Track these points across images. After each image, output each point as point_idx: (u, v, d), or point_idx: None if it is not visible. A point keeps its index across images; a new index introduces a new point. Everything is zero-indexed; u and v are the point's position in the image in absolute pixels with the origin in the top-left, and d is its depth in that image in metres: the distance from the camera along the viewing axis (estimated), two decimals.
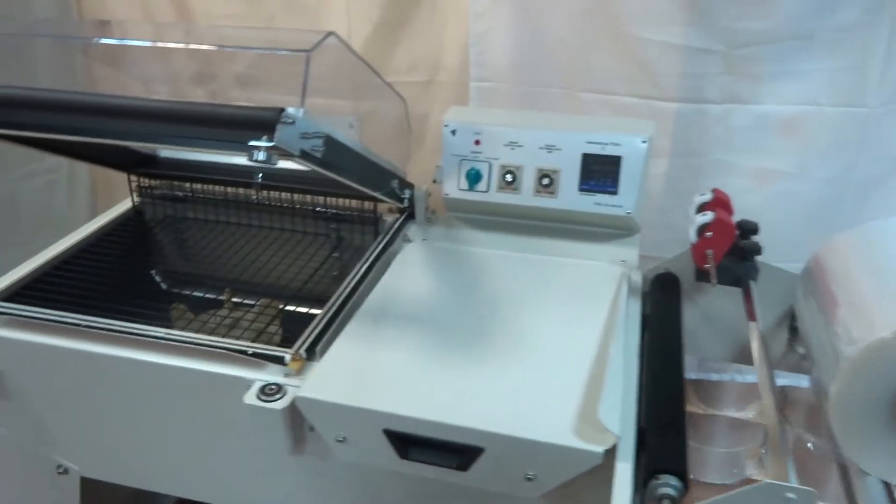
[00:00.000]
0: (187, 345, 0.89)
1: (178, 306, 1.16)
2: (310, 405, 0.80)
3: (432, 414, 0.76)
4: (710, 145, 1.22)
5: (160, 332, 0.91)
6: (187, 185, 1.26)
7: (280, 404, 0.81)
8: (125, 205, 1.26)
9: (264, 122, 0.74)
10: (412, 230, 1.18)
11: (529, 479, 0.75)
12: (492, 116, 1.15)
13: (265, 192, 1.24)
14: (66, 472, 1.02)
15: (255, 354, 0.87)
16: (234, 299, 1.15)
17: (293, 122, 0.75)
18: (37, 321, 0.94)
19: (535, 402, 0.78)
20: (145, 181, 1.27)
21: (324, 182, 1.18)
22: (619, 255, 1.10)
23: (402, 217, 1.19)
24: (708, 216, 0.90)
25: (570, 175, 1.09)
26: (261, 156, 0.74)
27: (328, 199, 1.20)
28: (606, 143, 1.08)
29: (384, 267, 1.07)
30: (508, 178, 1.11)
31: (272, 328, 1.00)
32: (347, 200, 1.20)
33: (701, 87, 1.19)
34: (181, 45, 1.17)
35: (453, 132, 1.13)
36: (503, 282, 1.03)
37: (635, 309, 0.97)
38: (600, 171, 1.09)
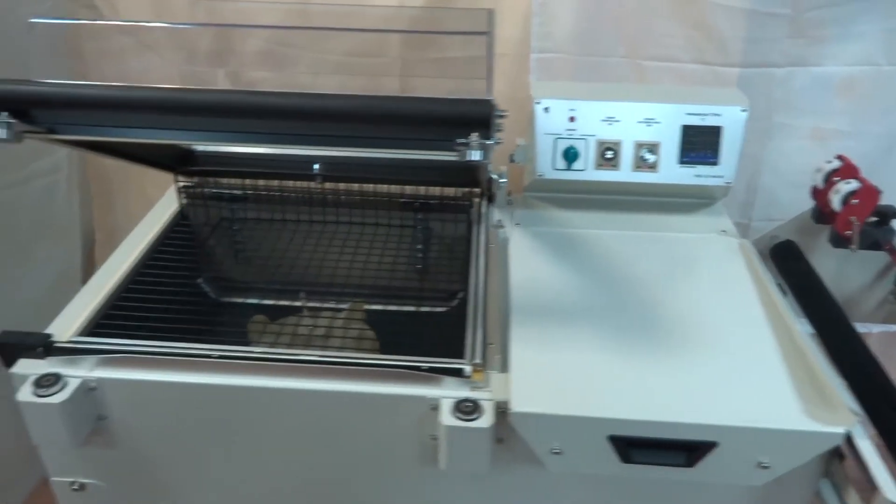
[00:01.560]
0: (342, 366, 0.80)
1: (263, 320, 1.05)
2: (526, 420, 0.74)
3: (662, 414, 0.73)
4: (771, 108, 1.24)
5: (304, 354, 0.81)
6: (234, 181, 1.13)
7: (483, 422, 0.75)
8: (168, 208, 1.11)
9: (477, 117, 0.66)
10: (495, 215, 1.12)
11: (764, 468, 0.74)
12: (583, 91, 1.11)
13: (327, 184, 1.14)
14: None
15: (431, 369, 0.80)
16: (328, 304, 1.06)
17: (502, 115, 0.68)
18: (139, 355, 0.81)
19: (753, 389, 0.77)
20: (187, 180, 1.12)
21: (398, 169, 1.11)
22: (714, 224, 1.10)
23: (485, 201, 1.13)
24: (853, 184, 0.91)
25: (669, 148, 1.08)
26: (475, 155, 0.67)
27: (405, 187, 1.12)
28: (706, 114, 1.07)
29: (494, 257, 1.01)
30: (609, 154, 1.08)
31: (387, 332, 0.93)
32: (430, 188, 1.12)
33: (766, 51, 1.20)
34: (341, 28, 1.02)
35: (546, 109, 1.07)
36: (628, 263, 1.00)
37: (770, 280, 0.98)
38: (701, 143, 1.08)
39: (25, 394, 0.77)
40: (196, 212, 1.12)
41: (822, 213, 0.98)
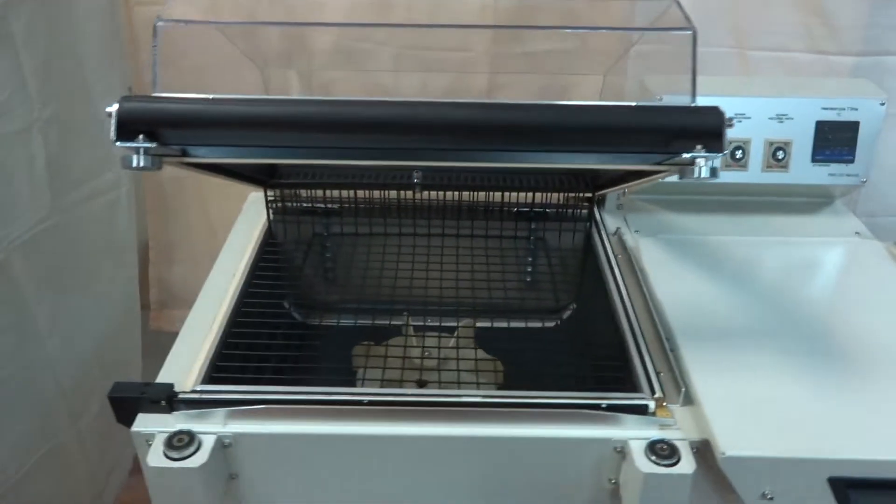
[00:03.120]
0: (504, 408, 0.71)
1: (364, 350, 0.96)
2: (739, 464, 0.66)
3: (888, 452, 0.66)
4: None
5: (464, 395, 0.72)
6: (324, 193, 1.03)
7: (685, 467, 0.66)
8: (254, 226, 1.00)
9: (706, 128, 0.57)
10: (607, 221, 1.04)
11: None
12: (708, 85, 1.02)
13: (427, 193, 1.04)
14: None
15: (609, 407, 0.71)
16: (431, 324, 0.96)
17: (730, 125, 0.59)
18: (277, 405, 0.71)
19: None
20: (275, 193, 1.02)
21: (501, 175, 1.02)
22: (845, 226, 1.03)
23: (595, 207, 1.04)
24: None
25: (802, 145, 1.00)
26: (704, 172, 0.58)
27: (509, 193, 1.02)
28: (843, 109, 0.99)
29: (626, 272, 0.93)
30: (738, 154, 0.99)
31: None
32: (535, 194, 1.03)
33: (882, 38, 1.13)
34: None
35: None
36: (776, 273, 0.92)
37: None
38: (836, 139, 1.00)
39: (157, 457, 0.67)
40: (287, 228, 1.01)
41: None
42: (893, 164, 1.22)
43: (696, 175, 0.57)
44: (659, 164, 0.62)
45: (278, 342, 0.89)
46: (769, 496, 0.67)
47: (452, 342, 0.98)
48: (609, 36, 1.13)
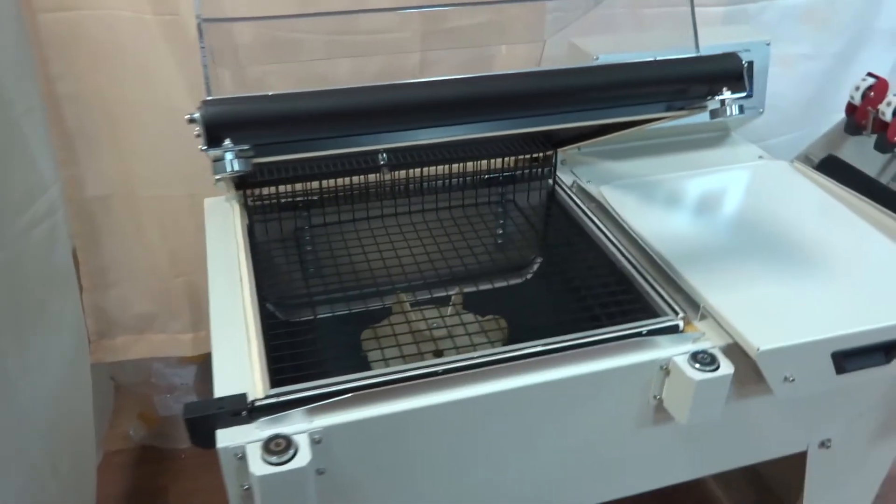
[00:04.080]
0: (559, 352, 0.78)
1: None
2: (771, 355, 0.77)
3: (870, 323, 0.81)
4: None
5: (525, 348, 0.77)
6: (291, 188, 1.01)
7: (726, 369, 0.77)
8: (230, 230, 0.96)
9: (730, 73, 0.67)
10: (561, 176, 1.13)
11: None
12: (621, 43, 1.14)
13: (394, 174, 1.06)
14: None
15: (649, 332, 0.80)
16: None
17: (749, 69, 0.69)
18: (356, 393, 0.72)
19: None
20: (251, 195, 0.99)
21: (455, 147, 1.07)
22: (748, 153, 1.20)
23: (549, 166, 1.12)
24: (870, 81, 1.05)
25: None
26: (735, 110, 0.67)
27: (477, 163, 1.07)
28: (738, 51, 1.12)
29: (601, 217, 1.02)
30: None
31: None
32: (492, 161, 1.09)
33: None
34: None
35: None
36: (718, 199, 1.07)
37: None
38: None
39: (261, 466, 0.65)
40: (268, 226, 0.99)
41: (857, 126, 1.11)
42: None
43: (728, 114, 0.67)
44: (680, 110, 0.71)
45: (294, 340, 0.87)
46: (791, 378, 0.80)
47: (451, 310, 1.03)
48: (528, 7, 1.22)
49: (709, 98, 0.67)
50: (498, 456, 0.80)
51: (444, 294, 1.06)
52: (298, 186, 1.02)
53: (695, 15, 0.72)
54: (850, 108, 1.13)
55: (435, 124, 0.62)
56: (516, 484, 0.84)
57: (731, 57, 0.67)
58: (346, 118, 0.59)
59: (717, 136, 1.25)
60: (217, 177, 0.56)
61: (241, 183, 1.00)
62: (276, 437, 0.68)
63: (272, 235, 1.01)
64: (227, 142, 0.56)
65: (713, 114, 0.67)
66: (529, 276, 1.15)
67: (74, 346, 1.07)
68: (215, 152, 0.56)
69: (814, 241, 0.95)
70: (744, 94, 0.67)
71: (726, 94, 0.66)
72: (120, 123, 1.12)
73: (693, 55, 0.68)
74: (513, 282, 1.08)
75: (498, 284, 1.06)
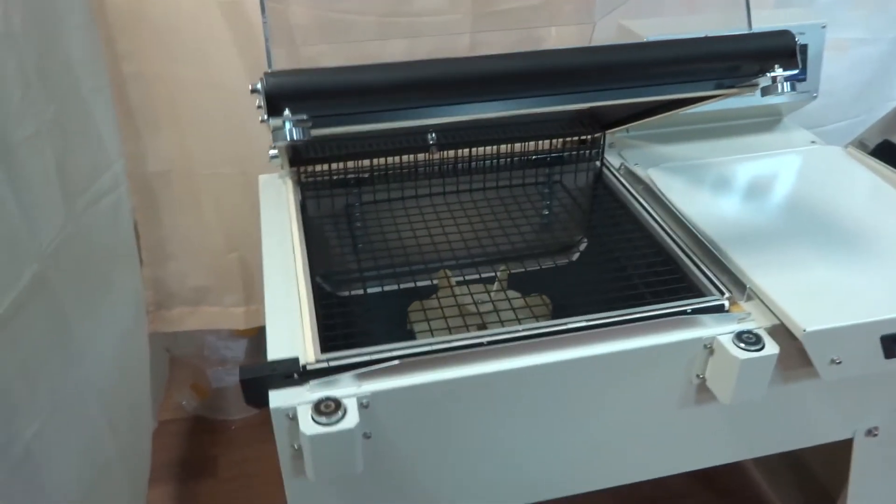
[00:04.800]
0: (604, 328, 0.79)
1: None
2: (817, 337, 0.77)
3: None
4: None
5: (569, 322, 0.78)
6: (345, 165, 1.04)
7: (771, 349, 0.77)
8: (283, 206, 0.99)
9: (782, 50, 0.67)
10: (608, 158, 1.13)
11: None
12: (671, 27, 1.13)
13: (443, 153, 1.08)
14: None
15: (694, 311, 0.81)
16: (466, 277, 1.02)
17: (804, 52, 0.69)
18: (405, 359, 0.74)
19: None
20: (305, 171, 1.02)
21: (504, 128, 1.08)
22: (802, 137, 1.19)
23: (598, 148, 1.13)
24: None
25: None
26: (787, 87, 0.67)
27: (525, 144, 1.08)
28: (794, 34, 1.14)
29: (649, 199, 1.02)
30: None
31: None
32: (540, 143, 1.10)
33: None
34: None
35: None
36: (769, 183, 1.06)
37: None
38: None
39: (311, 426, 0.68)
40: (320, 203, 1.02)
41: None
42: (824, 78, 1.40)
43: (779, 91, 0.67)
44: (731, 87, 0.71)
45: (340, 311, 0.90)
46: (838, 361, 0.80)
47: (496, 286, 1.04)
48: None
49: (760, 75, 0.67)
50: (538, 429, 0.81)
51: (490, 274, 1.08)
52: (350, 164, 1.05)
53: None
54: None
55: (487, 98, 0.64)
56: (556, 458, 0.85)
57: (784, 34, 0.67)
58: (400, 90, 0.61)
59: (768, 122, 1.24)
60: (274, 146, 0.59)
61: (295, 160, 1.03)
62: (326, 399, 0.70)
63: (324, 211, 1.04)
64: (287, 112, 0.59)
65: (764, 91, 0.67)
66: (575, 258, 1.16)
67: (134, 315, 1.13)
68: (276, 122, 0.58)
69: (864, 225, 0.94)
70: (796, 72, 0.67)
71: (778, 72, 0.66)
72: (180, 102, 1.16)
73: (745, 32, 0.69)
74: (559, 262, 1.09)
75: (544, 265, 1.07)
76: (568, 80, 0.65)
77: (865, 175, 1.05)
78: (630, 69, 0.64)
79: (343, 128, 0.65)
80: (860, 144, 1.15)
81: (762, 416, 0.89)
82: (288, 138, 0.58)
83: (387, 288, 1.05)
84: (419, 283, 1.05)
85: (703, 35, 0.70)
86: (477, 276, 1.05)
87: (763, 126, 1.22)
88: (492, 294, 1.04)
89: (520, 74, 0.61)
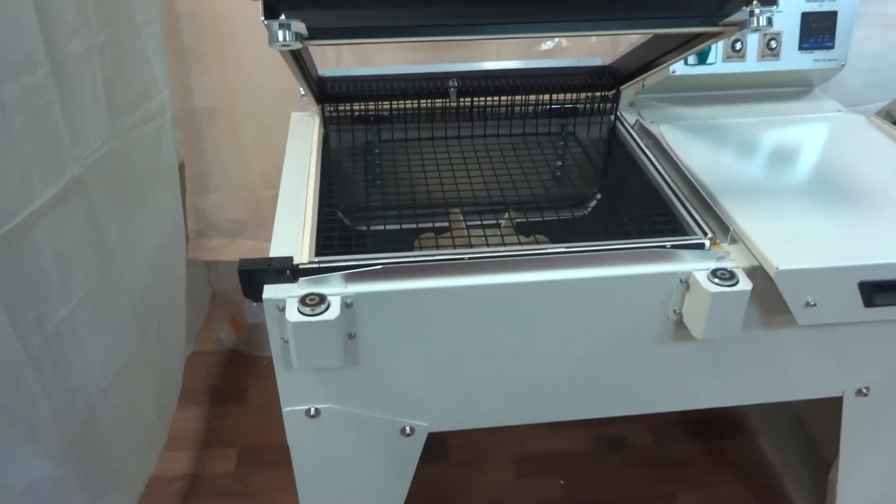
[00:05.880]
0: (586, 253, 0.83)
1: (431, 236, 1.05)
2: (791, 276, 0.79)
3: None
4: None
5: (551, 247, 0.82)
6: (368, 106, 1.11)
7: (744, 285, 0.79)
8: (307, 139, 1.07)
9: None
10: (625, 117, 1.16)
11: None
12: None
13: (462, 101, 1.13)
14: (412, 432, 0.91)
15: (673, 247, 0.84)
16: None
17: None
18: (391, 265, 0.80)
19: None
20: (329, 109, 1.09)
21: (526, 79, 1.12)
22: (828, 106, 1.18)
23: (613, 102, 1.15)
24: None
25: (790, 35, 1.14)
26: (763, 21, 0.70)
27: (541, 96, 1.12)
28: (822, 0, 1.14)
29: (656, 153, 1.05)
30: (738, 45, 1.13)
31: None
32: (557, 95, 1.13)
33: None
34: None
35: None
36: (782, 142, 1.07)
37: None
38: (819, 28, 1.14)
39: (295, 315, 0.75)
40: (341, 136, 1.09)
41: None
42: (855, 56, 1.37)
43: (754, 25, 0.69)
44: (716, 25, 0.74)
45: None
46: (812, 303, 0.81)
47: (501, 231, 1.09)
48: None
49: (739, 10, 0.69)
50: (515, 350, 0.86)
51: (493, 222, 1.13)
52: (371, 105, 1.11)
53: None
54: None
55: (472, 18, 0.68)
56: (535, 382, 0.89)
57: None
58: (393, 2, 0.67)
59: (798, 91, 1.23)
60: (272, 46, 0.65)
61: (322, 97, 1.10)
62: (312, 294, 0.77)
63: (344, 144, 1.11)
64: (283, 17, 0.65)
65: (742, 25, 0.69)
66: (583, 211, 1.19)
67: (171, 233, 1.23)
68: (272, 24, 0.65)
69: (863, 182, 0.94)
70: (773, 7, 0.69)
71: (756, 7, 0.68)
72: (227, 41, 1.25)
73: None
74: (562, 214, 1.13)
75: (548, 216, 1.11)
76: (551, 3, 0.69)
77: (881, 140, 1.05)
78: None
79: (337, 40, 0.71)
80: (886, 114, 1.14)
81: (745, 362, 0.90)
82: (280, 39, 0.65)
83: (395, 226, 1.11)
84: (426, 224, 1.11)
85: None
86: (479, 223, 1.10)
87: (792, 95, 1.22)
88: (491, 237, 1.08)
89: None
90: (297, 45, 0.66)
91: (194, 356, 1.65)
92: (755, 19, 0.69)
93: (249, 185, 1.36)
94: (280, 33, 0.65)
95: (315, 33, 0.69)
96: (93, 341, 1.01)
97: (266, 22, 0.65)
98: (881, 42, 1.36)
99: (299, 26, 0.66)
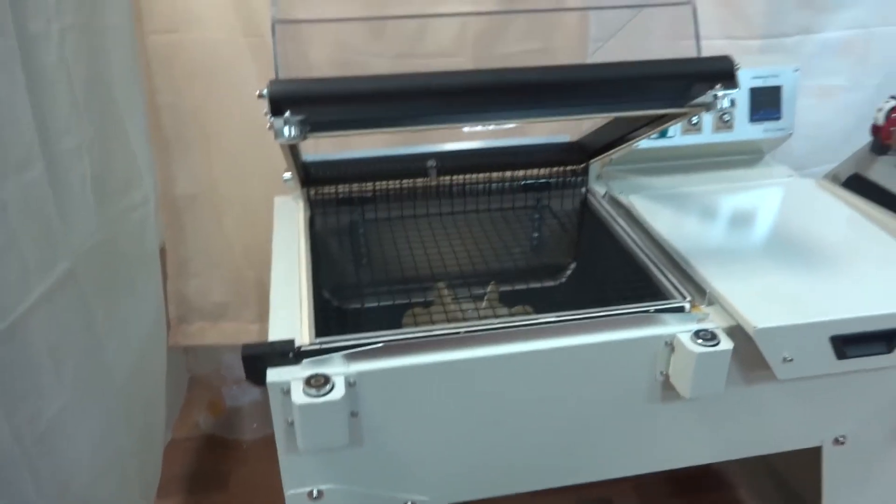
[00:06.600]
0: (574, 321, 0.87)
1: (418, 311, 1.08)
2: (768, 334, 0.84)
3: (870, 310, 0.86)
4: None
5: (542, 317, 0.86)
6: (352, 188, 1.15)
7: (725, 344, 0.84)
8: (294, 223, 1.10)
9: (722, 71, 0.76)
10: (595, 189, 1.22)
11: None
12: None
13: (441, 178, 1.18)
14: None
15: (657, 311, 0.88)
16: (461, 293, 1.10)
17: (739, 69, 0.78)
18: (391, 343, 0.82)
19: None
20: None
21: (500, 156, 1.18)
22: (781, 172, 1.27)
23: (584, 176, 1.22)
24: (892, 102, 1.11)
25: (741, 109, 1.23)
26: (726, 103, 0.76)
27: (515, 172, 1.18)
28: (768, 76, 1.24)
29: (625, 220, 1.10)
30: (694, 120, 1.21)
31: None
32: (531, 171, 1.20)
33: (780, 23, 1.39)
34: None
35: None
36: (744, 207, 1.14)
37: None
38: (766, 101, 1.24)
39: (301, 397, 0.77)
40: (326, 220, 1.13)
41: (882, 146, 1.17)
42: (798, 125, 1.48)
43: (719, 107, 0.76)
44: (682, 107, 0.81)
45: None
46: (789, 358, 0.86)
47: (485, 303, 1.13)
48: (572, 37, 1.34)
49: (704, 94, 0.76)
50: (511, 418, 0.88)
51: (481, 291, 1.16)
52: (355, 187, 1.15)
53: (698, 26, 0.82)
54: (875, 129, 1.18)
55: (462, 109, 0.74)
56: (529, 449, 0.92)
57: (724, 58, 0.76)
58: (389, 98, 0.71)
59: (750, 159, 1.32)
60: (277, 140, 0.69)
61: (306, 181, 1.14)
62: (317, 375, 0.79)
63: (329, 226, 1.15)
64: (287, 114, 0.70)
65: (707, 107, 0.76)
66: (562, 278, 1.24)
67: (154, 321, 1.23)
68: (277, 121, 0.69)
69: (823, 242, 1.01)
70: (735, 90, 0.76)
71: (719, 90, 0.75)
72: (208, 131, 1.29)
73: (690, 56, 0.78)
74: (545, 282, 1.18)
75: (531, 284, 1.16)
76: (533, 94, 0.75)
77: (831, 202, 1.13)
78: (583, 86, 0.74)
79: (338, 132, 0.75)
80: (833, 177, 1.23)
81: (729, 417, 0.94)
82: (285, 135, 0.69)
83: (383, 304, 1.13)
84: (415, 300, 1.14)
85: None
86: (468, 295, 1.14)
87: (745, 162, 1.31)
88: (480, 310, 1.12)
89: (489, 86, 0.72)
90: (301, 139, 0.70)
91: (171, 444, 1.62)
92: (719, 101, 0.76)
93: (232, 267, 1.38)
94: (286, 129, 0.69)
95: (317, 126, 0.73)
96: (83, 434, 1.00)
97: (272, 118, 0.69)
98: (820, 110, 1.48)
99: (302, 122, 0.70)
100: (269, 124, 0.69)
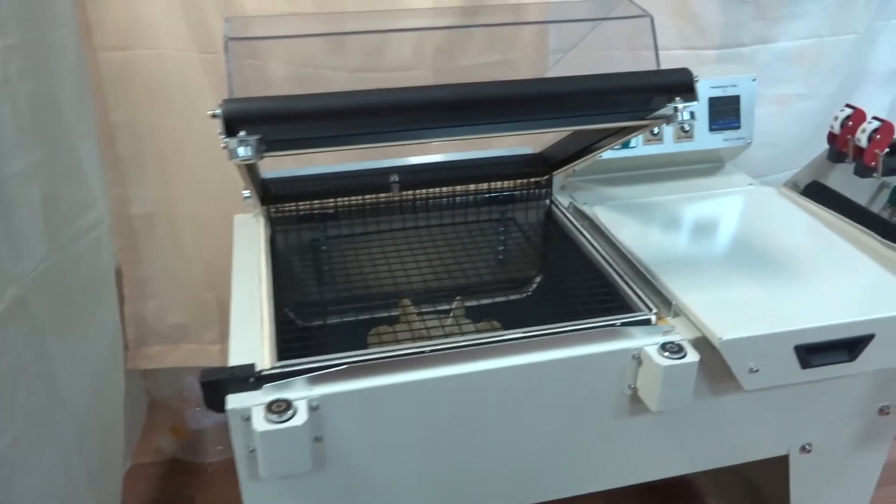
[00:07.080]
0: (542, 337, 0.86)
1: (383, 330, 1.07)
2: (734, 345, 0.84)
3: (832, 318, 0.87)
4: None
5: (508, 334, 0.85)
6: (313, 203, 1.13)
7: (692, 356, 0.84)
8: (255, 241, 1.07)
9: (681, 84, 0.76)
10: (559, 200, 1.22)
11: None
12: None
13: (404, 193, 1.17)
14: None
15: (623, 324, 0.88)
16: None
17: (699, 80, 0.78)
18: (354, 364, 0.80)
19: (876, 289, 0.93)
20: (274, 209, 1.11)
21: (464, 170, 1.17)
22: (742, 180, 1.28)
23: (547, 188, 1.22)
24: (875, 123, 1.12)
25: (701, 119, 1.24)
26: (686, 115, 0.76)
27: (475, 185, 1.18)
28: (726, 86, 1.25)
29: (590, 231, 1.10)
30: (655, 130, 1.21)
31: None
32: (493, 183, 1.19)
33: (737, 34, 1.41)
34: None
35: None
36: (706, 216, 1.15)
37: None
38: (725, 111, 1.25)
39: (262, 423, 0.74)
40: (287, 237, 1.10)
41: (838, 153, 1.18)
42: (757, 132, 1.50)
43: (679, 119, 0.76)
44: (643, 119, 0.81)
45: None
46: (755, 369, 0.86)
47: (451, 319, 1.11)
48: (531, 49, 1.33)
49: (664, 106, 0.76)
50: (480, 435, 0.87)
51: (447, 307, 1.15)
52: (317, 203, 1.13)
53: (656, 38, 0.82)
54: (831, 138, 1.20)
55: (422, 125, 0.73)
56: (499, 467, 0.90)
57: (683, 71, 0.76)
58: (345, 116, 0.70)
59: (711, 167, 1.33)
60: (232, 161, 0.67)
61: (266, 199, 1.12)
62: (278, 400, 0.77)
63: (291, 244, 1.12)
64: (242, 133, 0.68)
65: (668, 120, 0.76)
66: (528, 291, 1.23)
67: (110, 345, 1.19)
68: (231, 141, 0.67)
69: (785, 251, 1.02)
70: (694, 103, 0.76)
71: (678, 102, 0.75)
72: (164, 149, 1.26)
73: (650, 70, 0.78)
74: (510, 295, 1.17)
75: (496, 297, 1.15)
76: (494, 109, 0.74)
77: (792, 210, 1.14)
78: (549, 100, 0.74)
79: (293, 151, 0.73)
80: (793, 185, 1.24)
81: (697, 429, 0.95)
82: (240, 155, 0.67)
83: (346, 319, 1.11)
84: (379, 315, 1.12)
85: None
86: (433, 310, 1.12)
87: (706, 171, 1.32)
88: (445, 326, 1.10)
89: (449, 102, 0.70)
90: (257, 159, 0.68)
91: (133, 469, 1.57)
92: (679, 113, 0.75)
93: (191, 288, 1.34)
94: (241, 149, 0.67)
95: (272, 146, 0.72)
96: (36, 465, 0.96)
97: (225, 139, 0.67)
98: (778, 118, 1.50)
99: (257, 141, 0.68)
100: (223, 144, 0.67)
